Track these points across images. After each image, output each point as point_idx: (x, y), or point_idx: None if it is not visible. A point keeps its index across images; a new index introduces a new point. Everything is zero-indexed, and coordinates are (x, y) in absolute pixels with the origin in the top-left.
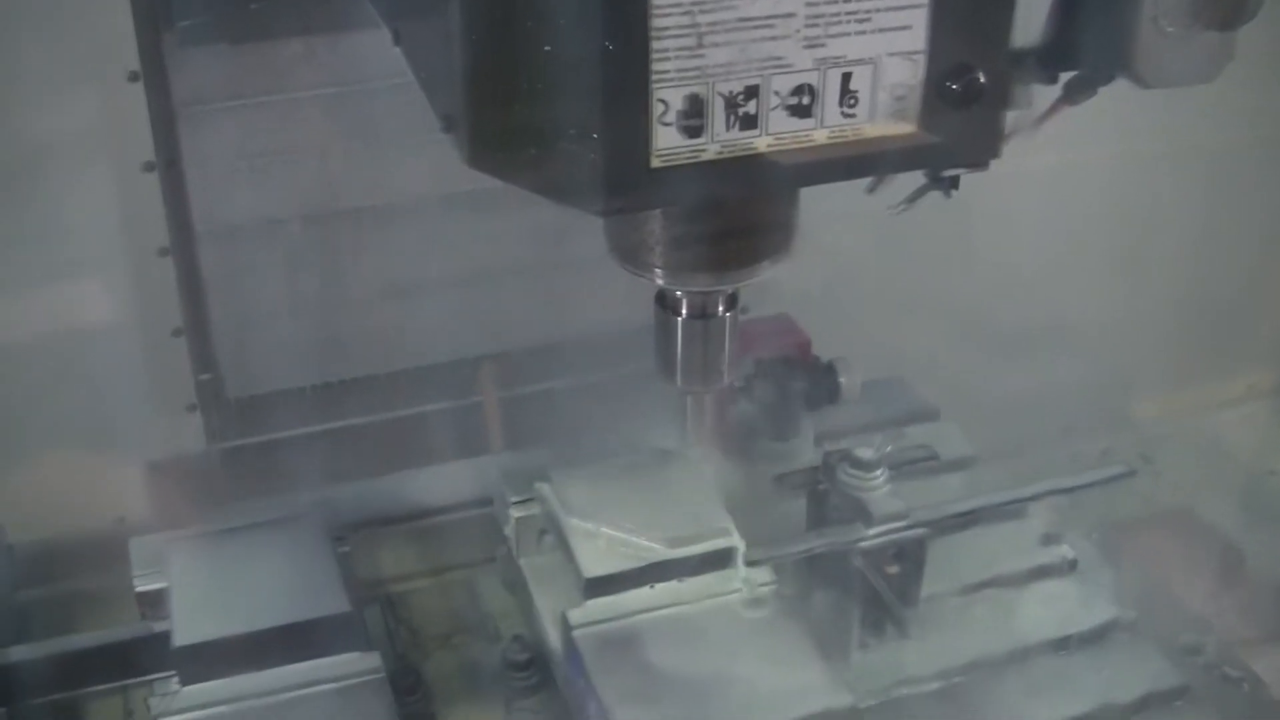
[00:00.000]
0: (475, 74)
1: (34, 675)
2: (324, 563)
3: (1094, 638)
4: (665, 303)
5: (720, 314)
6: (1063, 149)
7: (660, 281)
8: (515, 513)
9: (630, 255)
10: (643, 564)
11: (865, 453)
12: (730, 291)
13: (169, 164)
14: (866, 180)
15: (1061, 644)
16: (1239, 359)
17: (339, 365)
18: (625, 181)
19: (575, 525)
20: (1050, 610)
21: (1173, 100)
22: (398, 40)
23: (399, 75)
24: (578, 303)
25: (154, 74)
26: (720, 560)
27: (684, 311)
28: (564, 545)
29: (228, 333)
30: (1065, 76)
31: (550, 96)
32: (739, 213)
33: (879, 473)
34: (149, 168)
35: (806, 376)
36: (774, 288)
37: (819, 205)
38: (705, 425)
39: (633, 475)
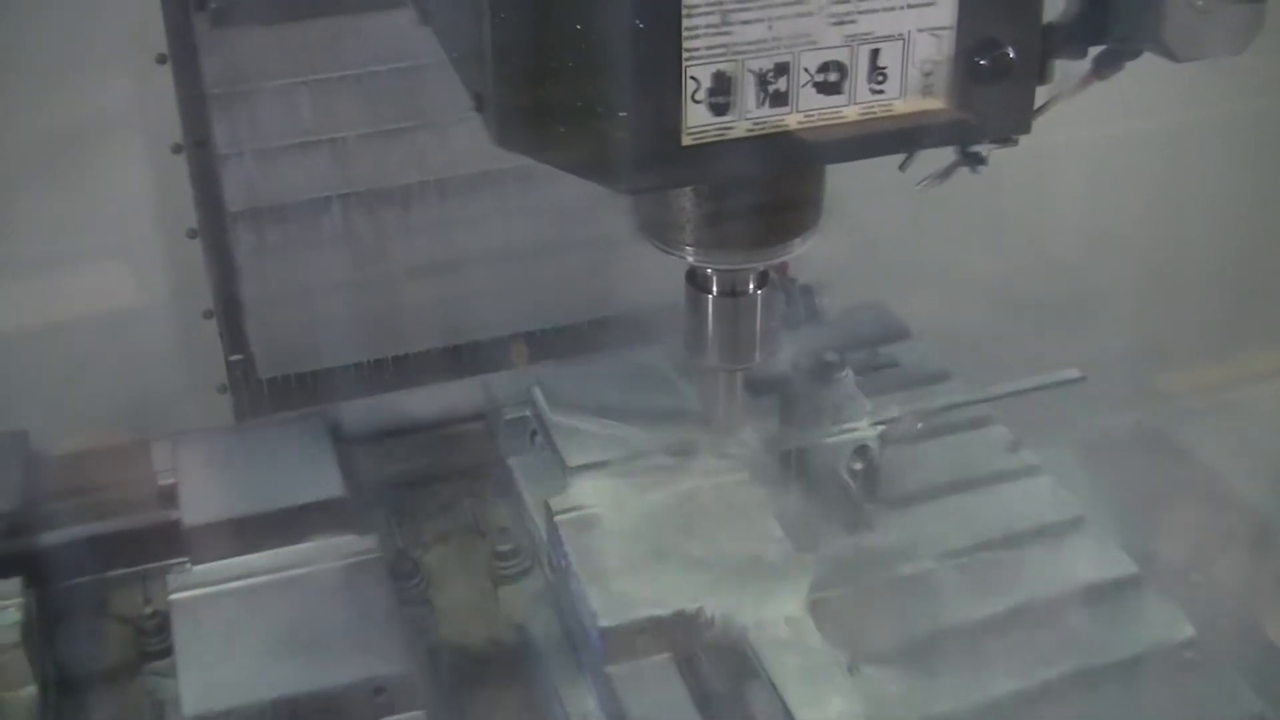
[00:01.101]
0: (504, 52)
1: (62, 560)
2: (323, 455)
3: (1052, 535)
4: (696, 280)
5: (751, 291)
6: (1095, 122)
7: (690, 259)
8: (507, 414)
9: (660, 233)
10: (622, 453)
11: (831, 356)
12: (761, 269)
13: (197, 145)
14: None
15: (1017, 539)
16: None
17: (371, 345)
18: (656, 159)
19: (559, 421)
20: (1012, 509)
21: (1206, 69)
22: (425, 20)
23: (431, 54)
24: (612, 279)
25: (182, 56)
26: (693, 450)
27: (714, 289)
28: (548, 440)
29: (259, 314)
30: (1094, 50)
31: (580, 74)
32: (769, 190)
33: (844, 374)
34: (177, 149)
35: (784, 297)
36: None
37: (850, 179)
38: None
39: (614, 380)
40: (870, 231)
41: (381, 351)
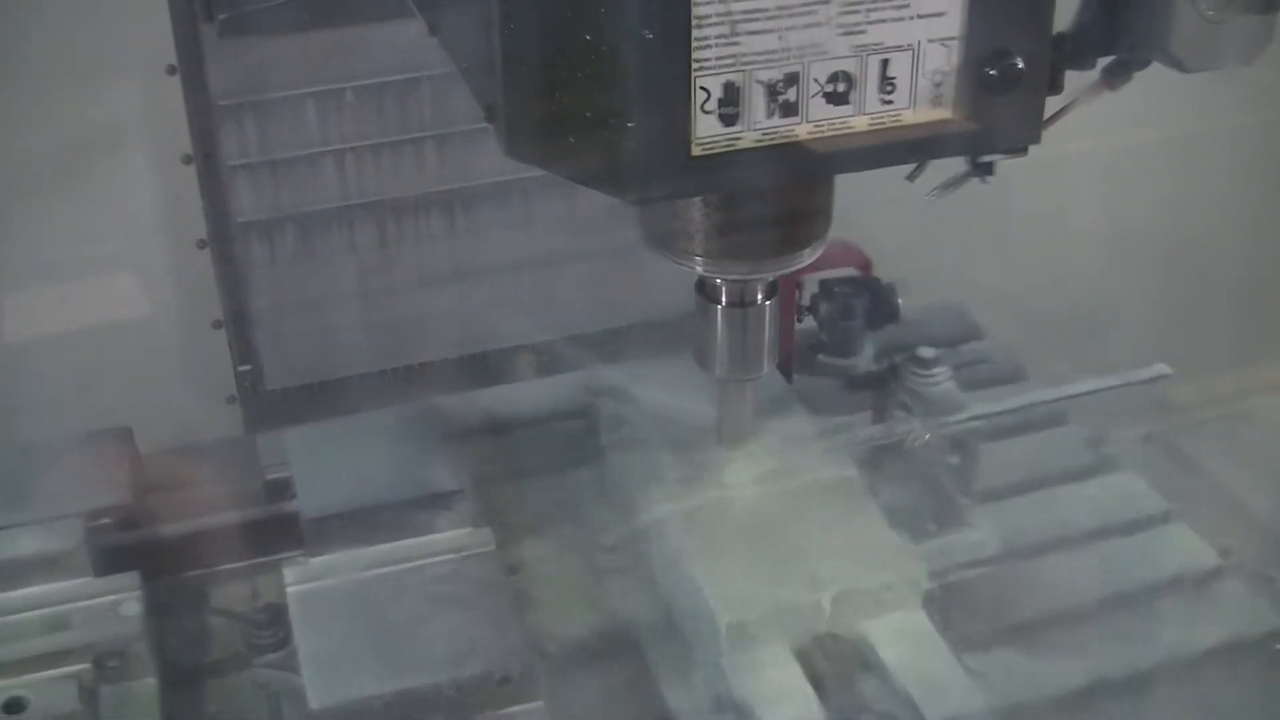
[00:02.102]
0: (514, 63)
1: (171, 553)
2: (436, 449)
3: (1137, 528)
4: (705, 290)
5: (760, 302)
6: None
7: (699, 270)
8: (606, 409)
9: (668, 243)
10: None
11: (927, 352)
12: (770, 279)
13: (206, 156)
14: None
15: (1104, 533)
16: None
17: (378, 356)
18: (666, 170)
19: (661, 418)
20: (1098, 504)
21: (1216, 80)
22: (433, 31)
23: (440, 65)
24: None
25: (191, 67)
26: (796, 445)
27: (723, 299)
28: (651, 438)
29: (267, 324)
30: (1104, 61)
31: (590, 85)
32: (778, 201)
33: (939, 370)
34: (187, 160)
35: (868, 296)
36: None
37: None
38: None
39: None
40: (875, 243)
41: (392, 362)
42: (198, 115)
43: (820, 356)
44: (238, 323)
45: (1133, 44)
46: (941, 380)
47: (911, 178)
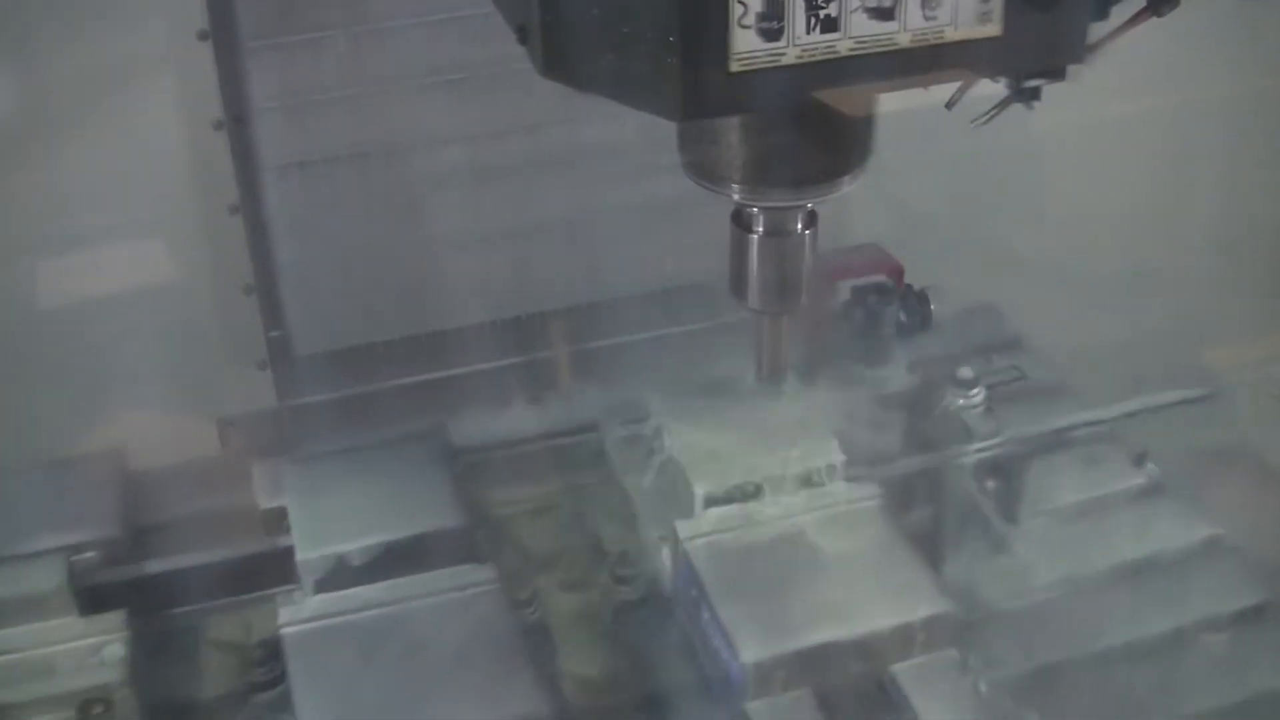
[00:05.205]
0: None
1: (161, 589)
2: (438, 480)
3: (1187, 555)
4: (740, 220)
5: (799, 231)
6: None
7: (736, 197)
8: (621, 433)
9: (705, 170)
10: (750, 479)
11: (965, 372)
12: (809, 208)
13: (237, 121)
14: (945, 105)
15: (1155, 561)
16: None
17: (410, 321)
18: (704, 86)
19: (684, 443)
20: (1144, 528)
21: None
22: None
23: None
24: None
25: (222, 31)
26: (825, 476)
27: (760, 229)
28: (672, 463)
29: (296, 289)
30: None
31: (626, 1)
32: (817, 124)
33: (977, 391)
34: (218, 125)
35: (900, 303)
36: None
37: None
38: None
39: (738, 399)
40: (912, 201)
41: (422, 328)
42: (229, 79)
43: (854, 366)
44: (268, 287)
45: None
46: (978, 403)
47: (950, 105)
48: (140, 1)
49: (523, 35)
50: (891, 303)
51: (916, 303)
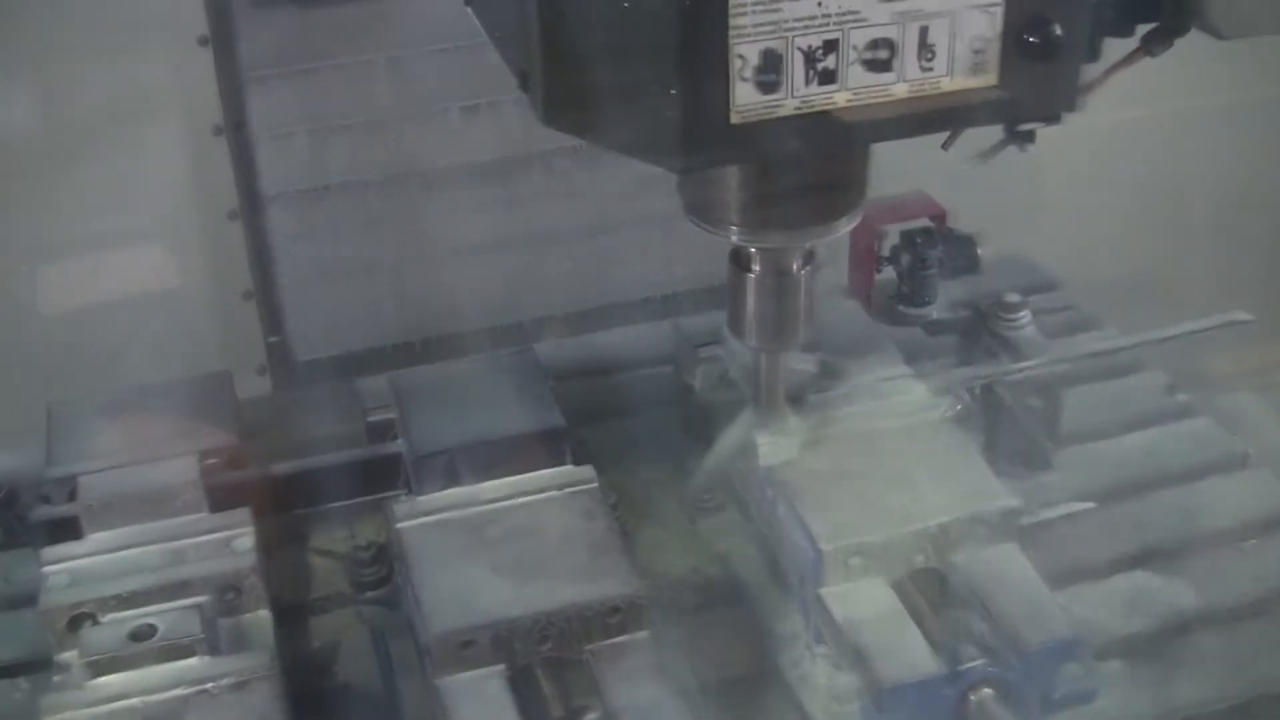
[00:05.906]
0: (550, 30)
1: (276, 493)
2: (538, 389)
3: (1217, 470)
4: (739, 260)
5: (795, 272)
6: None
7: (735, 239)
8: (702, 354)
9: (704, 211)
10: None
11: (1012, 297)
12: (807, 248)
13: (237, 128)
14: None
15: (1186, 477)
16: None
17: (407, 327)
18: (705, 137)
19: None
20: (1178, 447)
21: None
22: (468, 0)
23: (472, 36)
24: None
25: (223, 38)
26: (891, 386)
27: (757, 269)
28: (750, 378)
29: (296, 296)
30: (1143, 28)
31: (627, 53)
32: (815, 169)
33: (1024, 314)
34: (218, 131)
35: (945, 246)
36: None
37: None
38: None
39: None
40: None
41: (419, 334)
42: (229, 86)
43: (899, 307)
44: (267, 293)
45: (1171, 11)
46: (1025, 324)
47: (946, 146)
48: (143, 13)
49: (524, 82)
50: (935, 246)
51: (963, 245)
